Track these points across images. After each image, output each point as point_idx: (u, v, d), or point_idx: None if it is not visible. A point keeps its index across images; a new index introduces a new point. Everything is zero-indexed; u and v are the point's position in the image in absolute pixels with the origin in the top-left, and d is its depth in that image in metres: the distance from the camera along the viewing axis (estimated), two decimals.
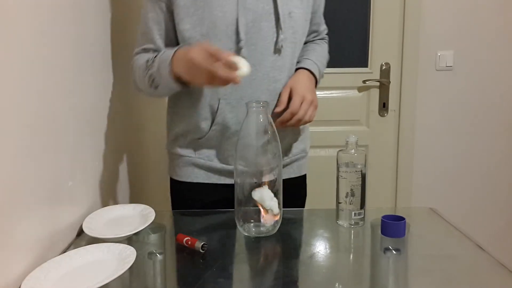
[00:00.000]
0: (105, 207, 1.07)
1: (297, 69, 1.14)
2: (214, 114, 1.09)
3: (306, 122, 1.08)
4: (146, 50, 1.09)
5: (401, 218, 0.93)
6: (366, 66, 2.23)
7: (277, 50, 1.07)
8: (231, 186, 0.96)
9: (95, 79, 1.11)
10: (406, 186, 2.29)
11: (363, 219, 0.99)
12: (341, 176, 0.98)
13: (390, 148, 2.28)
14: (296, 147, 1.21)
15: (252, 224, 0.95)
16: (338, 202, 1.00)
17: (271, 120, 0.93)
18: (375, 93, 2.24)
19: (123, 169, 1.35)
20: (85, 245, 0.86)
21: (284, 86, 1.10)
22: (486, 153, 2.28)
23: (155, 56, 1.03)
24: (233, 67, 0.88)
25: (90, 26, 1.08)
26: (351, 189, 0.97)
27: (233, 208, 0.96)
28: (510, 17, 2.17)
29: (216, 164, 1.13)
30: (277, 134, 0.94)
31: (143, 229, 0.94)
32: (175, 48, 0.99)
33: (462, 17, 2.16)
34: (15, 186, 0.73)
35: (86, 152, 1.05)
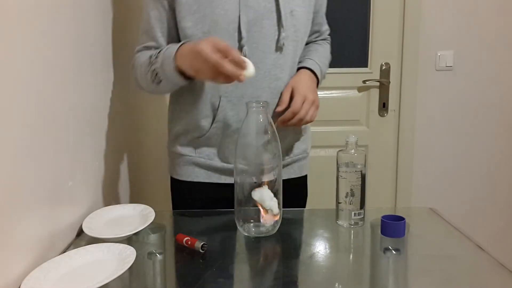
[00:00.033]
0: (105, 207, 1.07)
1: (298, 69, 1.14)
2: (215, 111, 1.09)
3: (307, 122, 1.08)
4: (148, 48, 1.09)
5: (401, 218, 0.93)
6: (366, 66, 2.23)
7: (279, 48, 1.07)
8: (232, 186, 0.96)
9: (95, 79, 1.11)
10: (406, 186, 2.29)
11: (363, 219, 0.99)
12: (341, 176, 0.98)
13: (390, 148, 2.28)
14: (298, 147, 1.21)
15: (252, 224, 0.95)
16: (338, 202, 1.00)
17: (271, 120, 0.93)
18: (375, 93, 2.24)
19: (123, 168, 1.35)
20: (85, 245, 0.86)
21: (285, 84, 1.10)
22: (486, 153, 2.28)
23: (159, 52, 1.03)
24: (240, 65, 0.89)
25: (90, 26, 1.08)
26: (351, 189, 0.97)
27: (233, 207, 0.96)
28: (510, 17, 2.17)
29: (217, 163, 1.13)
30: (277, 134, 0.94)
31: (143, 229, 0.94)
32: (180, 43, 0.99)
33: (462, 17, 2.16)
34: (15, 186, 0.73)
35: (86, 152, 1.05)
